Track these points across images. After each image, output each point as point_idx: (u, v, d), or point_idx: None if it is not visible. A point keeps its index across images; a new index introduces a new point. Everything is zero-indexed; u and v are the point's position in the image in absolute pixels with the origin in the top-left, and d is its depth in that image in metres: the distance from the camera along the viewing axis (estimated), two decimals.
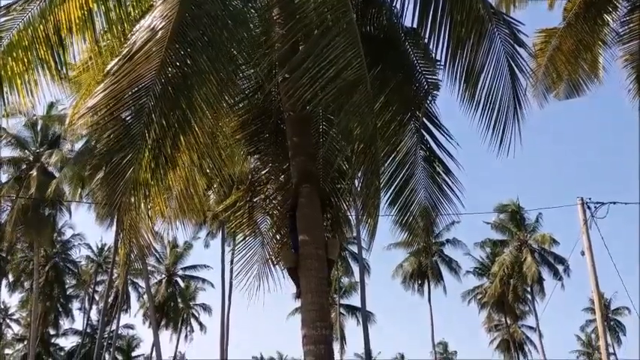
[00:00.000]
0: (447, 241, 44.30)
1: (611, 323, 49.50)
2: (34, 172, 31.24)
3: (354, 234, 37.72)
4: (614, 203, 17.19)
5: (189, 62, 6.15)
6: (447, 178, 8.46)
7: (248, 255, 8.87)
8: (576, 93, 11.87)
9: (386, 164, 8.29)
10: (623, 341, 51.04)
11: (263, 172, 8.80)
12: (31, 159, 33.14)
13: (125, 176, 5.88)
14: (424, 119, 8.24)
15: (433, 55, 7.94)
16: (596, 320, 18.72)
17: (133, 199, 6.29)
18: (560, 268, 39.80)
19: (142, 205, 6.76)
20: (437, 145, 8.43)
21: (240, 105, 8.17)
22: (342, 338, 45.19)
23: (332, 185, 8.61)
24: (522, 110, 7.55)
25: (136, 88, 5.94)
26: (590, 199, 17.59)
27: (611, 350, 47.50)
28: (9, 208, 31.68)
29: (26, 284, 45.36)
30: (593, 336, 51.13)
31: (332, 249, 7.00)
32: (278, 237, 8.67)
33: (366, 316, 37.15)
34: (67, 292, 48.29)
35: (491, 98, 7.53)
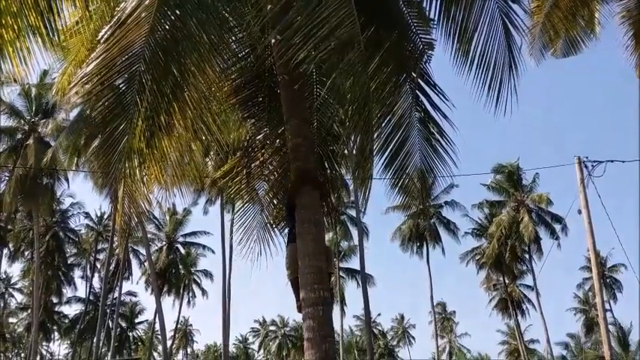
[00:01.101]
0: (445, 203, 44.54)
1: (607, 280, 50.16)
2: (30, 142, 31.15)
3: (353, 198, 37.98)
4: (612, 161, 17.20)
5: (179, 26, 6.05)
6: (442, 141, 8.40)
7: (248, 221, 8.91)
8: (574, 50, 11.73)
9: (381, 127, 8.24)
10: (619, 298, 51.87)
11: (258, 137, 8.76)
12: (27, 128, 32.98)
13: (119, 145, 5.86)
14: (419, 80, 8.16)
15: (427, 13, 7.83)
16: (593, 278, 18.93)
17: (128, 168, 6.26)
18: (558, 227, 40.07)
19: (138, 173, 6.74)
20: (432, 107, 8.35)
21: (233, 69, 8.08)
22: (342, 301, 45.81)
23: (327, 149, 8.60)
24: (518, 69, 7.49)
25: (127, 55, 5.87)
26: (587, 157, 17.59)
27: (607, 307, 48.24)
28: (7, 178, 31.68)
29: (27, 253, 45.70)
30: (590, 294, 51.85)
31: (329, 262, 7.01)
32: (275, 201, 8.69)
33: (365, 279, 37.55)
34: (69, 261, 48.70)
35: (486, 57, 7.47)
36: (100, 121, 6.26)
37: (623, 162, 17.98)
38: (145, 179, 7.00)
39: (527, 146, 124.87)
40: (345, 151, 9.11)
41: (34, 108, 33.96)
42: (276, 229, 8.64)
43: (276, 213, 8.59)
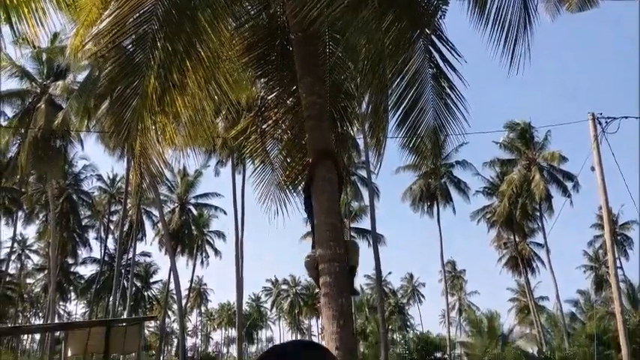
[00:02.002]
0: (457, 162, 44.39)
1: (619, 238, 50.17)
2: (41, 105, 31.18)
3: (363, 158, 37.94)
4: (626, 118, 16.99)
5: None
6: (454, 97, 8.33)
7: (261, 180, 8.94)
8: (589, 4, 11.47)
9: (394, 84, 8.18)
10: (630, 255, 51.99)
11: (270, 96, 8.72)
12: (38, 91, 32.99)
13: (132, 103, 5.85)
14: (432, 36, 8.05)
15: None
16: (605, 235, 18.94)
17: (140, 127, 6.27)
18: (570, 184, 39.94)
19: (152, 132, 6.76)
20: (445, 63, 8.26)
21: (246, 27, 7.99)
22: (353, 242, 46.24)
23: (340, 108, 8.56)
24: (532, 26, 7.36)
25: (139, 13, 5.81)
26: (601, 114, 17.37)
27: (618, 264, 48.34)
28: (19, 141, 31.86)
29: (41, 216, 46.31)
30: (600, 251, 51.98)
31: (352, 254, 6.92)
32: (288, 160, 8.70)
33: (376, 238, 37.79)
34: (83, 223, 49.31)
35: (502, 14, 7.33)
36: (112, 79, 6.25)
37: (637, 118, 17.77)
38: (159, 138, 7.03)
39: (541, 104, 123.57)
40: (358, 110, 9.08)
41: (45, 71, 33.93)
42: (289, 188, 8.68)
43: (289, 172, 8.61)
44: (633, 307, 40.11)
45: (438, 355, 36.78)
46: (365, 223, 46.78)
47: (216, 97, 7.75)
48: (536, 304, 47.76)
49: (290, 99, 8.57)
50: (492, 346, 33.21)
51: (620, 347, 17.73)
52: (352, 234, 45.56)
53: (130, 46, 5.95)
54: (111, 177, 51.13)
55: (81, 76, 30.61)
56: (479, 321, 40.16)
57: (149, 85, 5.88)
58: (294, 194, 8.65)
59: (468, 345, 41.45)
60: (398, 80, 8.25)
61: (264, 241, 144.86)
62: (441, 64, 8.27)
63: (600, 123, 17.24)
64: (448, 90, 8.36)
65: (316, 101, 7.05)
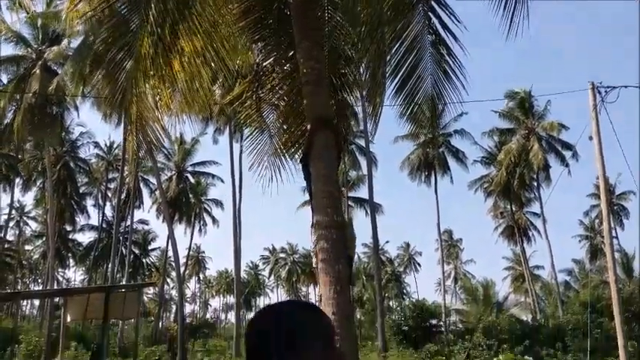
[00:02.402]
0: (455, 131, 44.23)
1: (615, 208, 50.43)
2: (36, 70, 30.86)
3: (362, 127, 37.82)
4: (626, 87, 16.86)
5: None
6: (453, 65, 8.23)
7: (257, 147, 8.87)
8: None
9: (393, 50, 8.07)
10: (625, 225, 52.35)
11: (267, 62, 8.60)
12: (34, 56, 32.62)
13: (126, 67, 5.75)
14: (432, 1, 7.90)
15: None
16: (601, 205, 18.98)
17: (135, 91, 6.18)
18: (568, 154, 39.94)
19: (148, 97, 6.68)
20: (445, 30, 8.14)
21: None
22: (351, 229, 46.30)
23: (339, 75, 8.46)
24: None
25: None
26: (600, 83, 17.23)
27: (613, 234, 48.72)
28: (14, 107, 31.61)
29: (38, 183, 46.29)
30: (596, 221, 52.27)
31: (350, 244, 6.86)
32: (285, 127, 8.63)
33: (373, 208, 37.97)
34: (80, 190, 49.29)
35: None
36: (106, 43, 6.15)
37: (637, 87, 17.66)
38: (157, 104, 6.94)
39: (541, 73, 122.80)
40: (357, 76, 8.97)
41: (40, 36, 33.52)
42: (286, 155, 8.62)
43: (286, 139, 8.54)
44: (627, 277, 40.54)
45: (433, 322, 37.17)
46: (363, 192, 46.85)
47: (212, 64, 7.66)
48: (531, 273, 48.23)
49: (287, 64, 8.45)
50: (487, 314, 33.61)
51: (613, 315, 17.94)
52: (350, 203, 45.67)
53: (122, 7, 5.83)
54: (108, 144, 51.04)
55: (76, 42, 30.27)
56: (474, 289, 40.57)
57: (143, 47, 5.78)
58: (291, 162, 8.61)
59: (462, 312, 41.96)
60: (397, 46, 8.14)
61: (262, 209, 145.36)
62: (441, 30, 8.14)
63: (600, 92, 17.12)
64: (447, 57, 8.25)
65: (314, 66, 6.95)
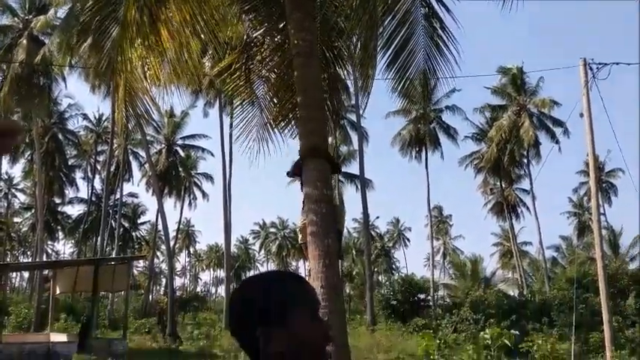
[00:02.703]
0: (446, 107, 44.12)
1: (604, 185, 50.76)
2: (23, 40, 30.35)
3: (353, 102, 37.62)
4: (617, 64, 16.80)
5: None
6: (446, 39, 8.14)
7: (246, 120, 8.77)
8: None
9: (385, 22, 7.96)
10: (613, 202, 52.81)
11: (257, 33, 8.46)
12: (21, 26, 32.06)
13: (112, 34, 5.63)
14: None
15: None
16: (590, 182, 19.07)
17: (121, 59, 6.06)
18: (558, 131, 40.04)
19: (135, 66, 6.55)
20: (438, 3, 8.04)
21: None
22: (341, 204, 46.38)
23: (331, 47, 8.34)
24: None
25: None
26: (592, 59, 17.18)
27: (601, 210, 49.13)
28: (1, 78, 31.14)
29: (27, 154, 45.85)
30: (584, 198, 52.66)
31: (340, 219, 6.79)
32: (275, 100, 8.53)
33: (364, 183, 37.99)
34: (69, 163, 48.93)
35: None
36: (92, 11, 6.00)
37: (628, 64, 17.61)
38: (145, 74, 6.82)
39: (533, 50, 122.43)
40: (349, 49, 8.86)
41: (27, 5, 32.94)
42: (275, 128, 8.54)
43: (276, 112, 8.45)
44: (613, 253, 41.01)
45: (422, 296, 37.52)
46: (354, 168, 46.81)
47: (202, 36, 7.54)
48: (519, 249, 48.69)
49: (278, 36, 8.33)
50: (475, 289, 33.97)
51: (598, 291, 18.14)
52: (340, 178, 45.65)
53: None
54: (97, 116, 50.53)
55: (63, 11, 29.75)
56: (462, 264, 40.95)
57: (129, 14, 5.64)
58: (281, 135, 8.53)
59: (450, 287, 42.41)
60: (389, 19, 8.04)
61: (252, 183, 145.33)
62: (434, 2, 8.05)
63: (591, 69, 17.08)
64: (440, 31, 8.18)
65: (306, 38, 6.85)
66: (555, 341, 9.11)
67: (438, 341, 8.68)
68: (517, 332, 8.85)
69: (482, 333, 8.84)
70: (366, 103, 8.42)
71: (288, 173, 6.78)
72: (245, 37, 8.57)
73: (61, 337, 23.46)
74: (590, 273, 30.61)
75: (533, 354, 8.78)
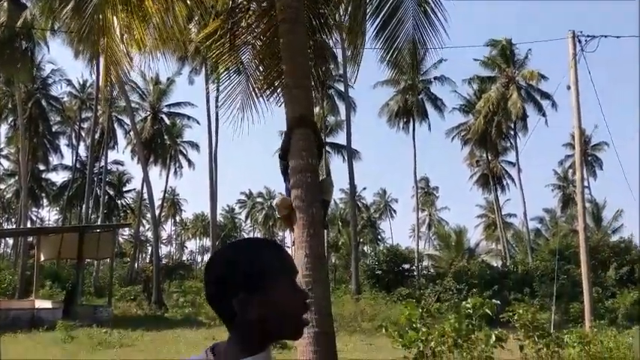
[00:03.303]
0: (435, 78, 43.97)
1: (589, 158, 51.19)
2: (4, 2, 29.58)
3: (341, 71, 37.35)
4: (605, 37, 16.78)
5: None
6: (435, 8, 8.03)
7: (231, 87, 8.65)
8: None
9: None
10: (598, 175, 53.35)
11: None
12: None
13: None
14: None
15: None
16: (575, 154, 19.17)
17: (103, 23, 5.91)
18: (546, 103, 40.15)
19: (117, 30, 6.40)
20: None
21: None
22: (328, 175, 46.47)
23: (318, 15, 8.20)
24: None
25: None
26: (581, 32, 17.13)
27: (585, 183, 49.68)
28: None
29: (10, 120, 45.18)
30: (569, 170, 53.10)
31: (327, 190, 6.68)
32: (261, 68, 8.41)
33: (351, 154, 37.95)
34: (53, 129, 48.33)
35: None
36: None
37: (617, 37, 17.60)
38: (124, 38, 6.67)
39: (523, 21, 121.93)
40: (336, 17, 8.72)
41: None
42: (261, 96, 8.43)
43: (262, 80, 8.33)
44: (596, 226, 41.59)
45: (406, 266, 37.92)
46: (341, 138, 46.80)
47: (188, 1, 7.40)
48: (503, 221, 49.16)
49: (264, 2, 8.16)
50: (458, 259, 34.37)
51: (580, 262, 18.41)
52: (327, 149, 45.56)
53: None
54: (81, 82, 49.75)
55: None
56: (447, 235, 41.32)
57: None
58: (268, 103, 8.43)
59: (435, 258, 42.87)
60: None
61: (239, 153, 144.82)
62: None
63: (580, 41, 17.03)
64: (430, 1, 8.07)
65: (292, 4, 6.71)
66: (536, 311, 9.23)
67: (420, 310, 8.76)
68: (498, 302, 8.95)
69: (463, 302, 8.94)
70: (357, 74, 8.31)
71: (280, 157, 6.67)
72: (230, 2, 8.40)
73: (46, 304, 23.51)
74: (572, 245, 31.06)
75: (514, 323, 8.89)
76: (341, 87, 40.38)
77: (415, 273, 39.21)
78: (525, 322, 8.73)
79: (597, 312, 21.96)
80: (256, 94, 8.46)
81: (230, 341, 1.34)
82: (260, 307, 1.29)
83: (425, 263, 45.85)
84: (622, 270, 31.15)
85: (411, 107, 44.04)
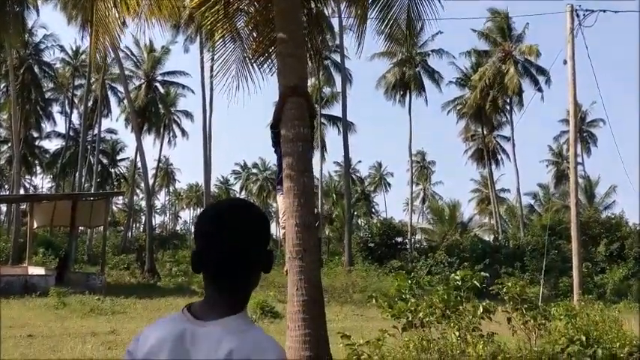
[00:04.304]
0: (432, 51, 43.63)
1: (584, 135, 51.25)
2: None
3: (338, 42, 37.01)
4: (604, 11, 16.66)
5: None
6: None
7: (226, 55, 8.57)
8: None
9: None
10: (593, 152, 53.52)
11: None
12: None
13: None
14: None
15: None
16: (569, 129, 19.16)
17: None
18: (542, 79, 39.98)
19: None
20: None
21: None
22: (323, 147, 46.39)
23: None
24: None
25: None
26: (580, 6, 17.00)
27: (579, 160, 49.87)
28: None
29: (2, 86, 44.70)
30: (564, 146, 53.16)
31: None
32: (255, 35, 8.31)
33: (346, 126, 37.82)
34: (46, 96, 47.84)
35: None
36: None
37: (615, 12, 17.49)
38: (116, 2, 6.56)
39: None
40: None
41: None
42: (254, 64, 8.35)
43: (256, 46, 8.24)
44: (588, 202, 41.83)
45: (399, 239, 38.14)
46: (336, 110, 46.51)
47: None
48: (497, 196, 49.35)
49: None
50: (451, 233, 34.59)
51: (571, 238, 18.56)
52: (323, 121, 45.37)
53: None
54: (74, 49, 49.11)
55: None
56: (441, 209, 41.52)
57: None
58: (262, 71, 8.36)
59: (428, 231, 43.15)
60: None
61: (235, 123, 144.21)
62: None
63: (578, 15, 16.90)
64: None
65: None
66: (525, 284, 9.31)
67: (410, 282, 8.82)
68: (487, 274, 9.02)
69: (452, 275, 9.01)
70: (360, 46, 8.22)
71: (271, 126, 6.61)
72: None
73: (39, 271, 23.60)
74: (564, 221, 31.27)
75: (503, 296, 8.98)
76: (338, 58, 40.03)
77: (408, 246, 39.44)
78: (513, 295, 8.79)
79: (586, 287, 22.23)
80: (250, 62, 8.39)
81: (220, 298, 1.36)
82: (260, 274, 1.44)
83: (418, 237, 46.11)
84: (612, 246, 31.43)
85: (408, 80, 43.78)
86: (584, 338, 8.03)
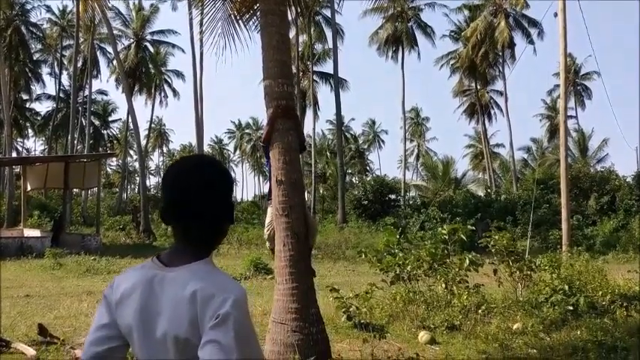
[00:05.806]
0: (426, 5, 43.06)
1: (578, 88, 51.10)
2: None
3: None
4: None
5: None
6: None
7: (214, 11, 8.46)
8: None
9: None
10: (587, 105, 53.46)
11: None
12: None
13: None
14: None
15: None
16: (560, 81, 19.11)
17: None
18: (534, 31, 39.61)
19: None
20: None
21: None
22: (315, 105, 46.10)
23: None
24: None
25: None
26: None
27: (573, 113, 49.87)
28: None
29: None
30: (558, 100, 53.03)
31: (312, 235, 6.40)
32: None
33: (338, 82, 37.49)
34: (34, 57, 47.19)
35: None
36: None
37: None
38: None
39: None
40: None
41: None
42: (240, 21, 8.26)
43: (240, 3, 8.14)
44: (581, 155, 42.02)
45: (392, 196, 38.32)
46: (328, 67, 46.06)
47: None
48: (490, 151, 49.49)
49: None
50: (444, 189, 34.79)
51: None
52: (315, 78, 45.01)
53: None
54: (60, 8, 48.23)
55: None
56: (434, 166, 41.65)
57: None
58: (247, 27, 8.28)
59: (422, 188, 43.36)
60: None
61: (226, 83, 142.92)
62: None
63: None
64: None
65: None
66: (512, 237, 9.49)
67: (398, 237, 8.99)
68: (473, 227, 9.19)
69: (439, 229, 9.18)
70: None
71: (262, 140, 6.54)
72: None
73: (35, 233, 23.74)
74: (556, 175, 31.42)
75: (490, 249, 9.17)
76: (328, 13, 39.43)
77: (401, 203, 39.70)
78: (500, 248, 8.98)
79: (576, 239, 22.56)
80: (236, 19, 8.30)
81: (185, 246, 1.48)
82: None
83: (412, 194, 46.35)
84: (603, 199, 31.69)
85: (400, 35, 43.29)
86: (567, 287, 8.24)
